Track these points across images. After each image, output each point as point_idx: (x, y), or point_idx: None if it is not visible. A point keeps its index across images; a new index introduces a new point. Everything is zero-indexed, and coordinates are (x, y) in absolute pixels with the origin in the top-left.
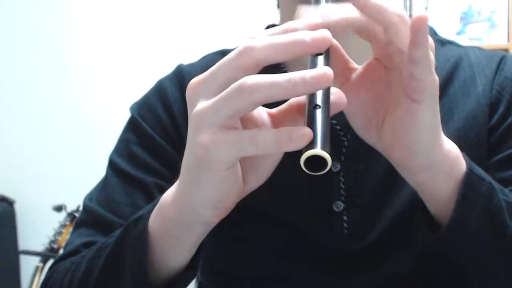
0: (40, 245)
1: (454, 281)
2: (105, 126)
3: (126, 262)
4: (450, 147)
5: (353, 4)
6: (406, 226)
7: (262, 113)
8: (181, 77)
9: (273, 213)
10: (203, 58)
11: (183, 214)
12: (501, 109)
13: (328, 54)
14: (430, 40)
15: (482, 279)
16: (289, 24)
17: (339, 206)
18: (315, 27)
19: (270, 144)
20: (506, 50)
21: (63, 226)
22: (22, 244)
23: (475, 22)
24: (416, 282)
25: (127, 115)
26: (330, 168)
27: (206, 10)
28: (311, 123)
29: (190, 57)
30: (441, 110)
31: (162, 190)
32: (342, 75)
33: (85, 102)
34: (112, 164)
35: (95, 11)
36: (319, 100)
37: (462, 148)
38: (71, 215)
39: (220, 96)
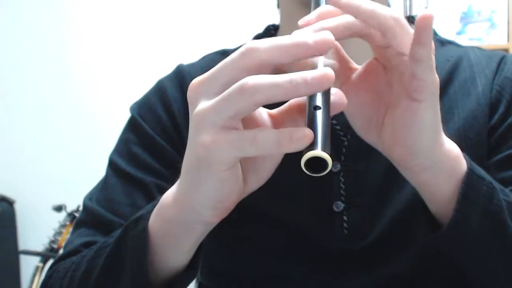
0: (40, 245)
1: (454, 282)
2: (105, 126)
3: (126, 262)
4: (451, 147)
5: (346, 11)
6: (406, 226)
7: (262, 113)
8: (181, 77)
9: (273, 213)
10: (203, 58)
11: (183, 214)
12: (501, 109)
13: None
14: None
15: (482, 279)
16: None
17: (339, 206)
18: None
19: (271, 144)
20: (506, 50)
21: (63, 226)
22: (22, 244)
23: (475, 22)
24: (416, 283)
25: (127, 115)
26: (330, 168)
27: (206, 10)
28: (311, 124)
29: (190, 57)
30: (441, 110)
31: (162, 190)
32: (342, 75)
33: (85, 102)
34: (112, 164)
35: (95, 11)
36: (319, 101)
37: (462, 148)
38: (71, 215)
39: (222, 96)
